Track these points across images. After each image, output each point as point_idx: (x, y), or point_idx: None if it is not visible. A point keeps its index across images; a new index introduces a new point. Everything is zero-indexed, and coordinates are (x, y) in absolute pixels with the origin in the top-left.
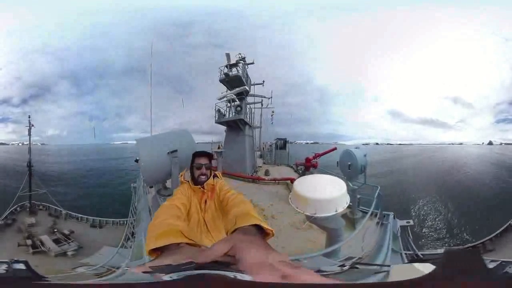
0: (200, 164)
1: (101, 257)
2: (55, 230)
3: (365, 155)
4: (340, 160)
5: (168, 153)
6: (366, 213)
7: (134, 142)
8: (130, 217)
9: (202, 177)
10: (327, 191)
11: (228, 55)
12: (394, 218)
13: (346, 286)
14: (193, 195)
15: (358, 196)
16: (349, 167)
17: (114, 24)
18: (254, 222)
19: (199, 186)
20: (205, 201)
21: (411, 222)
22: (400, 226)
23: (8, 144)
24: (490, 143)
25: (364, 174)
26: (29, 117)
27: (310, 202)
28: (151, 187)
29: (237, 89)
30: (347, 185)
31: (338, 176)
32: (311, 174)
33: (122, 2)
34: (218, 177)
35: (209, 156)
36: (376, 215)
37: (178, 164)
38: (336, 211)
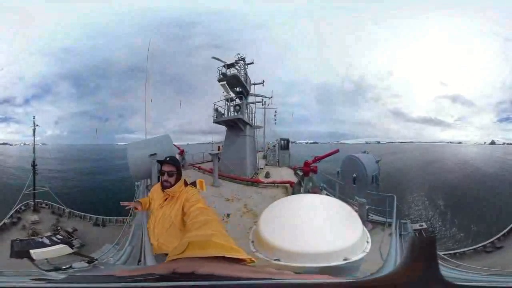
0: (163, 171)
1: (102, 254)
2: (58, 227)
3: (377, 162)
4: (343, 170)
5: (149, 155)
6: (379, 223)
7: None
8: (131, 214)
9: (165, 183)
10: (331, 237)
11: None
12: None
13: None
14: (160, 193)
15: (367, 207)
16: (354, 181)
17: (117, 24)
18: (210, 254)
19: (163, 189)
20: (165, 199)
21: (424, 225)
22: (414, 230)
23: (11, 145)
24: (493, 142)
25: (376, 185)
26: (34, 118)
27: (295, 255)
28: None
29: (236, 90)
30: (356, 201)
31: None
32: (292, 197)
33: (123, 2)
34: (195, 186)
35: (172, 164)
36: (388, 225)
37: (156, 165)
38: (344, 260)
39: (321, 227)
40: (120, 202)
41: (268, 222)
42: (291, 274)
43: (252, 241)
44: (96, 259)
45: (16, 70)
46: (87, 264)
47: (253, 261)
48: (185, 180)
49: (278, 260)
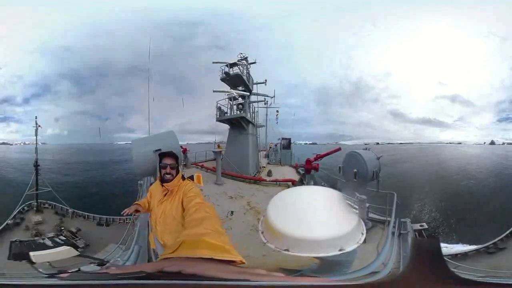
0: (165, 164)
1: (108, 254)
2: (62, 228)
3: (378, 158)
4: (344, 166)
5: (154, 151)
6: (377, 221)
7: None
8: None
9: (167, 175)
10: (330, 226)
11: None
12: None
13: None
14: (159, 188)
15: (367, 204)
16: (355, 176)
17: (118, 23)
18: (199, 255)
19: (163, 184)
20: (165, 194)
21: (425, 226)
22: (414, 230)
23: (11, 144)
24: (492, 142)
25: (377, 181)
26: (36, 118)
27: (297, 241)
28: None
29: (239, 90)
30: (356, 196)
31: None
32: (298, 188)
33: (125, 2)
34: (192, 179)
35: (174, 156)
36: (388, 224)
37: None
38: (340, 250)
39: (321, 216)
40: (121, 213)
41: (276, 213)
42: (280, 276)
43: (262, 232)
44: (107, 261)
45: (15, 69)
46: (99, 267)
47: (243, 263)
48: (182, 175)
49: (287, 250)
